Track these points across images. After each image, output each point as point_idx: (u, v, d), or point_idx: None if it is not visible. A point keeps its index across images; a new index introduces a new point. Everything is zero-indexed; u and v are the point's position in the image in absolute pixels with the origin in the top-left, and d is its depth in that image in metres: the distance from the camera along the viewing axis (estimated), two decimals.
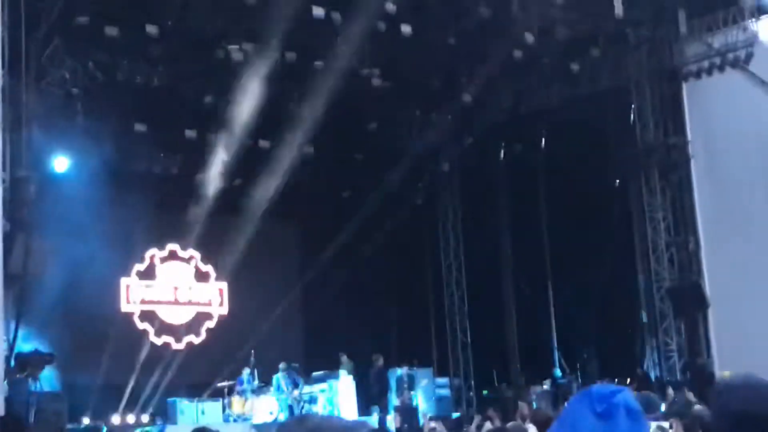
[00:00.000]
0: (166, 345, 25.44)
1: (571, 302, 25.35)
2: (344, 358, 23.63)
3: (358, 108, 24.34)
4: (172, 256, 26.27)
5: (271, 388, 22.18)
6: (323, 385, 22.69)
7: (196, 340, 26.01)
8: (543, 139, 26.26)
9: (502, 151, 26.95)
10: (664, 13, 22.60)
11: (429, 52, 22.61)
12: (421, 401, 23.81)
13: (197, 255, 26.49)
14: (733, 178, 21.48)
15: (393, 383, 23.84)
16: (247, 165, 24.90)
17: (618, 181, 24.07)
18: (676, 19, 22.36)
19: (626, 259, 24.47)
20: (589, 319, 25.00)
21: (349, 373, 23.31)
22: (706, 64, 22.07)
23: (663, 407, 13.50)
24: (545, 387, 23.97)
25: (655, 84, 23.31)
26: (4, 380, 15.10)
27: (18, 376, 16.02)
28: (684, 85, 22.69)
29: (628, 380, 22.85)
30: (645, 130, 23.40)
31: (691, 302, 22.26)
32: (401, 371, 24.03)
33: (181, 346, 25.65)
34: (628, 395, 2.42)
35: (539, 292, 26.42)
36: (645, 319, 23.84)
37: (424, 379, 24.50)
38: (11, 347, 15.68)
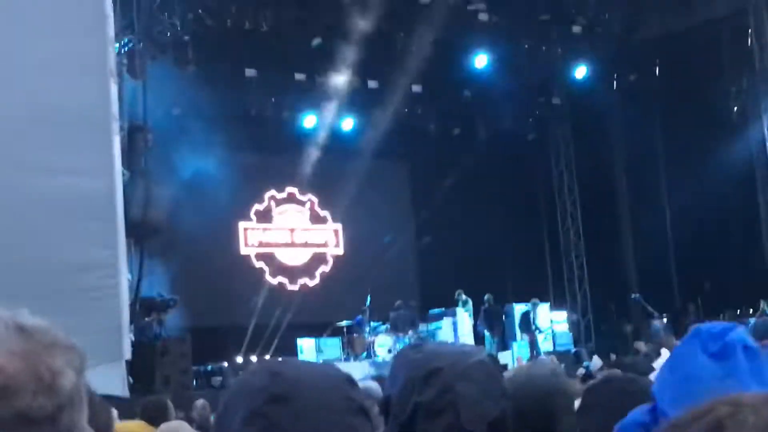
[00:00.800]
0: (281, 285, 25.85)
1: (690, 234, 24.86)
2: (461, 296, 23.64)
3: (466, 43, 24.07)
4: (291, 198, 26.59)
5: (389, 327, 22.33)
6: (440, 322, 22.75)
7: (311, 283, 26.36)
8: (657, 68, 25.64)
9: (615, 82, 26.39)
10: None
11: None
12: (540, 337, 23.73)
13: (315, 199, 26.75)
14: None
15: (515, 319, 23.79)
16: (357, 105, 24.96)
17: (736, 108, 23.40)
18: None
19: (747, 188, 23.89)
20: (709, 250, 24.52)
21: (466, 309, 23.34)
22: None
23: None
24: (664, 320, 23.65)
25: None
26: (131, 325, 15.48)
27: (145, 320, 16.41)
28: None
29: (752, 312, 22.44)
30: (763, 55, 22.69)
31: None
32: (527, 307, 23.85)
33: (295, 287, 26.03)
34: (742, 332, 2.22)
35: (656, 225, 25.96)
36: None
37: (542, 314, 24.40)
38: (136, 292, 16.05)
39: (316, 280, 26.55)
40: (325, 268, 26.77)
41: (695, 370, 2.16)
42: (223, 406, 1.79)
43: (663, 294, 25.55)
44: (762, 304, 23.19)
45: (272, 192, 26.28)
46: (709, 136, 23.94)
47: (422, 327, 22.51)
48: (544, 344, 23.43)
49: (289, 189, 26.53)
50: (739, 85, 23.36)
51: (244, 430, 1.68)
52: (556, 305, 25.88)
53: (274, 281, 25.92)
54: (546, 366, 3.87)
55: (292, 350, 21.75)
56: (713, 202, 23.87)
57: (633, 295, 24.32)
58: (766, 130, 22.97)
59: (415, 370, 2.12)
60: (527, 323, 23.43)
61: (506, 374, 2.66)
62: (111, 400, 11.75)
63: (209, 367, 19.24)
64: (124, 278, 15.46)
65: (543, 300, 25.16)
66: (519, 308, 23.97)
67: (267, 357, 21.82)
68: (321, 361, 15.80)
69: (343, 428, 1.70)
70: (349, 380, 1.79)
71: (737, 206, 24.11)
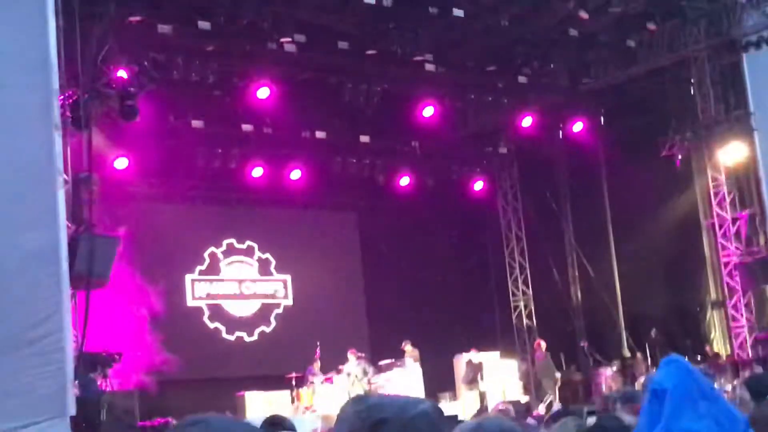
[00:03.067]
0: (230, 338, 25.68)
1: (638, 282, 25.06)
2: (408, 347, 23.57)
3: (413, 93, 24.22)
4: (238, 250, 26.46)
5: (340, 378, 22.18)
6: (390, 375, 22.64)
7: (267, 330, 26.22)
8: (602, 118, 25.94)
9: (561, 131, 26.66)
10: None
11: (482, 35, 22.43)
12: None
13: (263, 251, 26.66)
14: None
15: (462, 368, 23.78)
16: (305, 156, 24.99)
17: (680, 157, 23.69)
18: None
19: (692, 235, 24.14)
20: (656, 298, 24.71)
21: (414, 361, 23.26)
22: (766, 33, 21.61)
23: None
24: (614, 368, 23.74)
25: (714, 57, 22.90)
26: (75, 380, 15.21)
27: (89, 375, 16.14)
28: (744, 57, 22.27)
29: (699, 358, 22.61)
30: (706, 104, 23.03)
31: (760, 277, 21.92)
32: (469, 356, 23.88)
33: (254, 338, 25.89)
34: (657, 374, 2.26)
35: (604, 274, 26.14)
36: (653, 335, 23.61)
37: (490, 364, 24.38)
38: (81, 347, 15.79)
39: (273, 324, 26.40)
40: (274, 320, 26.61)
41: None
42: None
43: (611, 342, 25.69)
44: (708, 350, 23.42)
45: (220, 244, 26.13)
46: (655, 184, 24.21)
47: (375, 378, 22.39)
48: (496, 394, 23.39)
49: (237, 241, 26.42)
50: (683, 134, 23.66)
51: None
52: (505, 355, 25.85)
53: (223, 334, 25.72)
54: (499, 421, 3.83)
55: (241, 404, 21.54)
56: (660, 251, 24.11)
57: (581, 344, 24.41)
58: (710, 179, 23.25)
59: (359, 422, 2.07)
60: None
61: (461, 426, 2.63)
62: None
63: (156, 424, 18.96)
64: (69, 332, 15.23)
65: (492, 349, 25.18)
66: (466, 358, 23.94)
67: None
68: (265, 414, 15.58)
69: None
70: None
71: (684, 254, 24.33)
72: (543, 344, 24.19)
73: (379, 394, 2.41)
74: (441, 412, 2.17)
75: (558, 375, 23.82)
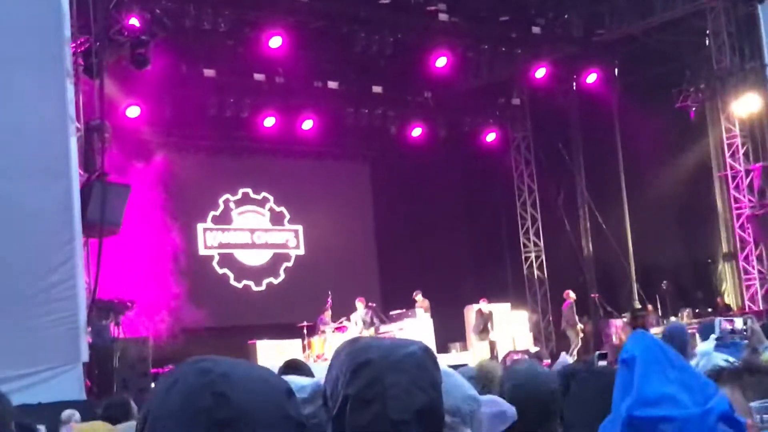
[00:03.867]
0: (242, 287, 25.85)
1: (649, 233, 25.02)
2: (419, 297, 23.64)
3: (426, 44, 24.12)
4: (250, 200, 26.53)
5: (350, 328, 22.30)
6: (401, 324, 22.74)
7: (275, 281, 26.36)
8: (616, 69, 25.79)
9: (574, 83, 26.53)
10: None
11: None
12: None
13: (275, 201, 26.72)
14: None
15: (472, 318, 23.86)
16: (318, 106, 24.95)
17: (694, 108, 23.58)
18: None
19: (704, 187, 24.07)
20: (668, 250, 24.70)
21: (425, 311, 23.35)
22: None
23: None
24: (624, 319, 23.79)
25: (729, 8, 22.72)
26: (88, 327, 15.36)
27: (102, 322, 16.27)
28: (760, 8, 22.09)
29: (709, 309, 22.64)
30: (721, 55, 22.88)
31: None
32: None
33: (261, 288, 26.04)
34: (625, 345, 2.30)
35: (616, 225, 26.10)
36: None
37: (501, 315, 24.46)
38: (93, 295, 15.91)
39: (281, 277, 26.54)
40: (286, 269, 26.74)
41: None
42: (152, 415, 1.72)
43: (622, 294, 25.72)
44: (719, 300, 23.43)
45: (232, 193, 26.21)
46: (669, 135, 24.11)
47: (383, 328, 22.49)
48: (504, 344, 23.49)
49: (249, 190, 26.49)
50: (698, 85, 23.52)
51: None
52: (516, 306, 25.91)
53: (234, 283, 25.88)
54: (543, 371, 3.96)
55: (252, 352, 21.70)
56: (673, 203, 24.05)
57: (592, 295, 24.45)
58: (724, 130, 23.14)
59: (346, 363, 2.10)
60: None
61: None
62: (69, 402, 11.67)
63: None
64: (81, 280, 15.36)
65: (503, 301, 25.25)
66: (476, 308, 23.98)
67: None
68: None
69: None
70: (288, 393, 1.76)
71: (696, 206, 24.28)
72: (572, 294, 24.00)
73: (373, 337, 2.45)
74: (431, 353, 2.19)
75: (580, 326, 23.76)
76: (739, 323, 7.49)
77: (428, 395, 2.07)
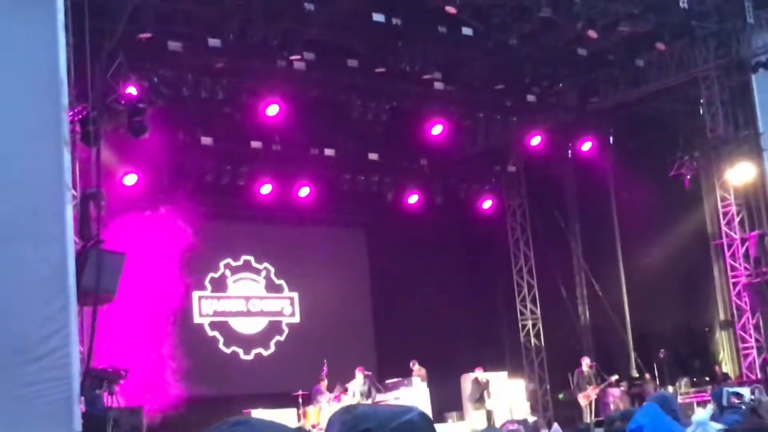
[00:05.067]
0: (236, 355, 25.68)
1: (646, 302, 24.97)
2: (416, 366, 23.52)
3: (422, 111, 24.28)
4: (246, 267, 26.47)
5: (347, 397, 22.12)
6: (397, 393, 22.58)
7: (266, 353, 26.18)
8: (611, 137, 25.93)
9: (570, 150, 26.65)
10: (731, 3, 22.19)
11: (491, 54, 22.47)
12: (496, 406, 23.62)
13: (271, 268, 26.66)
14: None
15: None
16: (314, 173, 25.02)
17: (689, 176, 23.68)
18: (743, 9, 21.93)
19: (701, 255, 24.07)
20: (665, 318, 24.63)
21: (422, 380, 23.21)
22: None
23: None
24: (622, 388, 23.63)
25: (723, 77, 22.90)
26: (81, 396, 15.20)
27: (95, 391, 16.11)
28: (753, 77, 22.27)
29: (707, 378, 22.51)
30: (715, 124, 23.02)
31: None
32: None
33: (249, 357, 25.85)
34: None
35: (612, 293, 26.05)
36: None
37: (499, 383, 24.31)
38: (87, 363, 15.79)
39: (272, 350, 26.37)
40: (281, 338, 26.61)
41: None
42: None
43: (619, 362, 25.60)
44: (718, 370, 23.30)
45: (227, 261, 26.15)
46: (664, 204, 24.17)
47: (379, 398, 22.32)
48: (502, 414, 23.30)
49: (245, 257, 26.44)
50: (692, 154, 23.65)
51: None
52: (513, 375, 25.77)
53: (230, 351, 25.72)
54: None
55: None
56: (669, 271, 24.03)
57: (590, 364, 24.30)
58: (719, 198, 23.20)
59: (345, 431, 2.06)
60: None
61: None
62: None
63: None
64: (76, 348, 15.23)
65: (500, 369, 25.12)
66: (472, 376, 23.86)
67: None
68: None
69: None
70: None
71: (692, 274, 24.26)
72: (586, 360, 23.80)
73: (369, 404, 2.41)
74: (429, 420, 2.16)
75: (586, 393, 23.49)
76: (746, 393, 7.46)
77: None
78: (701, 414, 7.47)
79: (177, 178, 22.91)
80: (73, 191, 16.02)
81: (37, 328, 14.58)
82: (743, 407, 7.16)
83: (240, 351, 25.92)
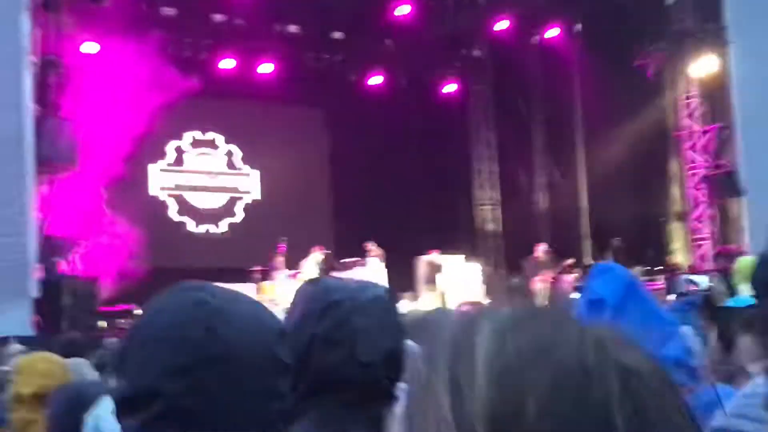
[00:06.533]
0: (200, 231, 25.75)
1: (603, 190, 25.18)
2: (373, 246, 23.65)
3: None
4: (206, 142, 26.35)
5: (303, 274, 22.28)
6: (354, 273, 22.74)
7: (223, 229, 26.25)
8: (579, 25, 25.79)
9: (537, 36, 26.50)
10: None
11: None
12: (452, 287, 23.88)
13: (222, 137, 26.55)
14: None
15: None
16: (277, 50, 24.74)
17: (653, 67, 23.66)
18: None
19: (660, 147, 24.23)
20: (621, 206, 24.87)
21: (380, 261, 23.37)
22: None
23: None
24: (576, 275, 23.95)
25: None
26: (38, 263, 15.23)
27: (52, 259, 16.14)
28: None
29: (660, 267, 22.87)
30: (681, 15, 22.93)
31: (725, 190, 22.06)
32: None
33: (207, 231, 25.92)
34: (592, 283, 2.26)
35: (571, 180, 26.25)
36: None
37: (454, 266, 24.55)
38: (44, 231, 15.77)
39: (229, 225, 26.44)
40: (239, 214, 26.65)
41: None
42: (139, 335, 1.68)
43: (574, 249, 25.90)
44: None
45: (188, 137, 25.99)
46: (626, 94, 24.17)
47: (336, 275, 22.45)
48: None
49: (203, 132, 26.26)
50: (657, 44, 23.59)
51: (164, 383, 1.60)
52: (469, 258, 26.01)
53: (186, 225, 25.75)
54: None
55: None
56: (628, 160, 24.17)
57: (546, 250, 24.53)
58: (681, 90, 23.26)
59: (313, 303, 2.08)
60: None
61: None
62: (17, 338, 11.56)
63: (117, 309, 19.01)
64: (32, 216, 15.20)
65: (457, 253, 25.32)
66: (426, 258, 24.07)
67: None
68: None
69: (268, 390, 1.67)
70: (280, 334, 1.73)
71: (651, 165, 24.44)
72: (542, 246, 23.95)
73: (336, 277, 2.42)
74: (395, 297, 2.18)
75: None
76: (703, 281, 7.60)
77: (395, 339, 2.06)
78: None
79: (137, 49, 22.55)
80: (33, 58, 15.79)
81: None
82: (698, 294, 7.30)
83: (198, 225, 25.96)
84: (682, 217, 23.93)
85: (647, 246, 24.36)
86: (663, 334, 2.16)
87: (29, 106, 15.26)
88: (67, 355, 7.50)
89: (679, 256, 23.97)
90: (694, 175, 23.02)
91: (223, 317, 1.67)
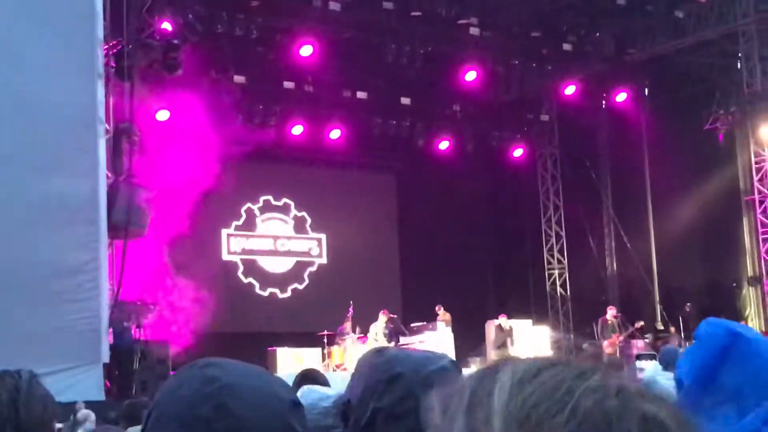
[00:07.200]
0: (263, 294, 25.85)
1: (674, 254, 24.89)
2: (441, 311, 23.58)
3: (456, 57, 24.12)
4: (275, 207, 26.56)
5: (370, 339, 22.24)
6: (422, 337, 22.67)
7: (292, 293, 26.34)
8: (646, 89, 25.70)
9: (604, 101, 26.46)
10: None
11: (528, 1, 22.27)
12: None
13: (300, 209, 26.73)
14: None
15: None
16: (346, 116, 24.95)
17: (723, 131, 23.48)
18: None
19: (731, 211, 23.93)
20: (692, 272, 24.56)
21: (446, 324, 23.28)
22: None
23: None
24: (647, 340, 23.64)
25: (763, 31, 22.60)
26: (109, 328, 15.38)
27: (124, 324, 16.30)
28: None
29: None
30: (752, 79, 22.77)
31: None
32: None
33: (276, 296, 26.03)
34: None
35: (641, 246, 25.97)
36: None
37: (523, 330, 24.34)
38: (116, 296, 15.96)
39: (298, 290, 26.52)
40: (307, 278, 26.74)
41: None
42: (156, 413, 1.73)
43: (644, 315, 25.55)
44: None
45: (257, 201, 26.24)
46: (697, 158, 24.00)
47: (404, 340, 22.42)
48: None
49: (274, 198, 26.50)
50: (728, 108, 23.43)
51: None
52: (537, 323, 25.81)
53: (257, 289, 25.89)
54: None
55: (272, 360, 21.69)
56: (699, 225, 23.92)
57: (615, 314, 24.28)
58: (752, 154, 23.03)
59: (376, 375, 2.08)
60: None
61: None
62: (88, 403, 11.68)
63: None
64: (105, 281, 15.39)
65: (525, 317, 25.12)
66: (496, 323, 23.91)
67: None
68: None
69: None
70: (293, 405, 1.77)
71: (722, 230, 24.14)
72: (612, 309, 23.71)
73: (399, 348, 2.42)
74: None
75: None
76: None
77: None
78: (650, 370, 7.51)
79: (209, 117, 22.90)
80: (107, 125, 16.10)
81: (67, 261, 14.73)
82: None
83: (267, 289, 26.09)
84: (755, 282, 23.54)
85: (720, 311, 23.96)
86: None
87: (103, 173, 15.54)
88: (131, 420, 7.58)
89: (752, 321, 23.54)
90: (766, 239, 22.67)
91: (234, 392, 1.70)
